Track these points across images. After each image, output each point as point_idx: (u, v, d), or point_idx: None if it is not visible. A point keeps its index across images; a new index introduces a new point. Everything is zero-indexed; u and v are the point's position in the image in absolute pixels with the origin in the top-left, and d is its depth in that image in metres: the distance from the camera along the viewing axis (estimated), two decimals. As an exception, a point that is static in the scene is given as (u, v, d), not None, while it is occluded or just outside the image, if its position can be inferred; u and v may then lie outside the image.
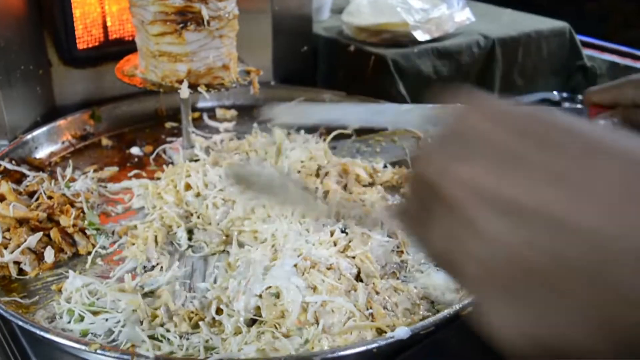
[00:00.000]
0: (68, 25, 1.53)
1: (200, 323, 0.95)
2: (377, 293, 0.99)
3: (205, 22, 1.28)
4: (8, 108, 1.45)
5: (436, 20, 1.82)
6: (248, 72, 1.44)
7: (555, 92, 1.65)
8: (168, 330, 0.96)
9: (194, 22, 1.29)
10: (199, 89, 1.33)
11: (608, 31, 2.22)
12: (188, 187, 1.27)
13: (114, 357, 0.86)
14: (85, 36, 1.58)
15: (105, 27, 1.60)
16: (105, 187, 1.36)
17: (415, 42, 1.78)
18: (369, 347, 0.87)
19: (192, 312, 0.98)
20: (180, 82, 1.33)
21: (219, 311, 0.98)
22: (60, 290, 1.06)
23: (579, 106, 1.13)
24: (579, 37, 2.08)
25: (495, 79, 1.91)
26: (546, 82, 2.06)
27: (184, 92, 1.31)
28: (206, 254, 1.15)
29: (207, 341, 0.93)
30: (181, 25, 1.28)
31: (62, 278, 1.10)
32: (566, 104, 1.91)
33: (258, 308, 0.96)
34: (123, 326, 0.97)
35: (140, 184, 1.34)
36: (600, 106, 1.00)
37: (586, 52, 2.10)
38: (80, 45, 1.57)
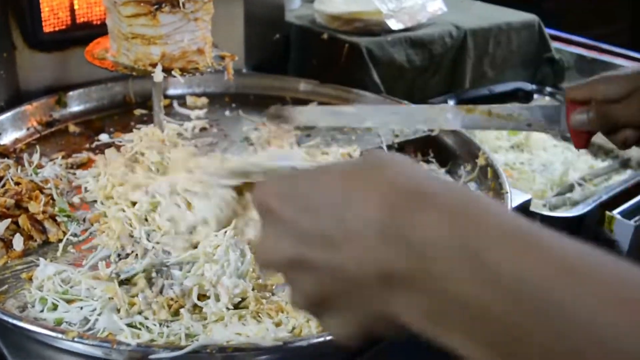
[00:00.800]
0: (34, 7, 1.47)
1: (182, 310, 0.92)
2: None
3: (181, 4, 1.25)
4: (-29, 92, 1.39)
5: (409, 9, 1.81)
6: (222, 58, 1.41)
7: (528, 84, 1.67)
8: (147, 318, 0.93)
9: (169, 3, 1.25)
10: (173, 72, 1.30)
11: (564, 30, 2.25)
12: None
13: (92, 345, 0.83)
14: (52, 19, 1.52)
15: (72, 10, 1.55)
16: (74, 174, 1.32)
17: (389, 31, 1.77)
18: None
19: (172, 300, 0.95)
20: (154, 65, 1.29)
21: (200, 298, 0.95)
22: (30, 279, 1.02)
23: (556, 103, 1.15)
24: (547, 31, 2.09)
25: (467, 70, 1.91)
26: (515, 73, 2.07)
27: (158, 75, 1.27)
28: (173, 263, 1.07)
29: (187, 328, 0.90)
30: (155, 6, 1.25)
31: (32, 266, 1.06)
32: (546, 97, 1.94)
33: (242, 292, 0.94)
34: (99, 314, 0.93)
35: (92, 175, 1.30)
36: (578, 102, 1.02)
37: (554, 44, 2.12)
38: (47, 28, 1.52)
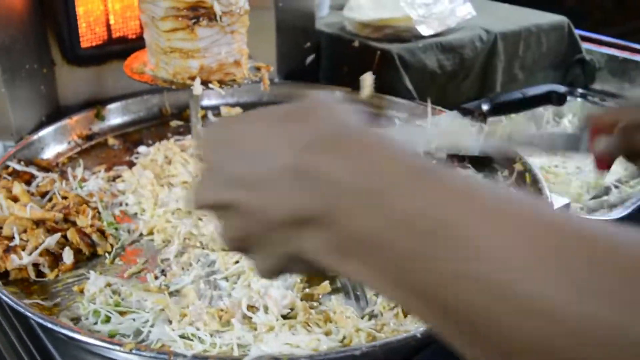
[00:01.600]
0: (71, 23, 1.50)
1: (233, 320, 0.94)
2: None
3: (218, 18, 1.27)
4: (14, 108, 1.42)
5: (438, 14, 1.81)
6: (258, 69, 1.43)
7: (562, 86, 1.66)
8: (198, 329, 0.94)
9: (206, 17, 1.27)
10: (211, 85, 1.31)
11: (588, 28, 2.23)
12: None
13: (149, 357, 0.84)
14: (89, 34, 1.55)
15: (108, 25, 1.57)
16: (113, 185, 1.34)
17: (419, 37, 1.78)
18: (406, 340, 0.86)
19: (222, 310, 0.97)
20: (192, 78, 1.31)
21: (249, 308, 0.96)
22: (82, 292, 1.04)
23: (577, 130, 1.12)
24: (577, 31, 2.08)
25: (497, 73, 1.91)
26: (546, 75, 2.06)
27: (197, 88, 1.29)
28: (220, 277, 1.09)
29: (239, 338, 0.92)
30: (193, 20, 1.27)
31: (82, 279, 1.08)
32: (577, 99, 1.93)
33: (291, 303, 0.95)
34: (152, 326, 0.95)
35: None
36: (601, 128, 1.01)
37: (585, 45, 2.11)
38: (84, 43, 1.54)
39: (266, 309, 0.95)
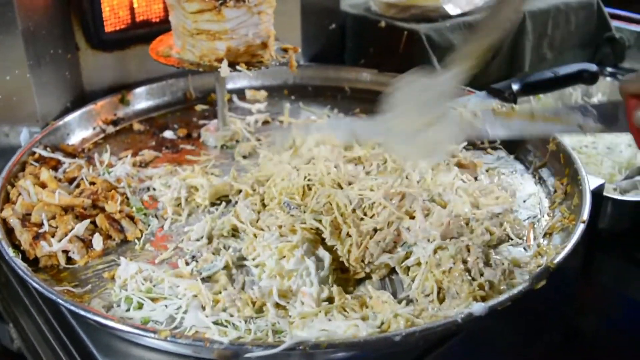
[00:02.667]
0: (95, 8, 1.48)
1: (268, 305, 0.92)
2: (468, 251, 0.98)
3: (245, -2, 1.24)
4: (39, 94, 1.40)
5: (466, -7, 1.78)
6: (285, 50, 1.40)
7: (593, 65, 1.62)
8: (231, 315, 0.93)
9: (233, -2, 1.25)
10: (239, 67, 1.29)
11: (618, 5, 2.18)
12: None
13: (185, 344, 0.83)
14: (112, 19, 1.53)
15: (132, 9, 1.55)
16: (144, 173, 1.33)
17: (446, 17, 1.74)
18: (446, 325, 0.84)
19: (256, 297, 0.95)
20: (219, 60, 1.29)
21: (282, 295, 0.95)
22: (113, 278, 1.03)
23: (615, 100, 0.95)
24: (606, 9, 2.04)
25: (526, 52, 1.87)
26: (574, 54, 2.02)
27: (224, 70, 1.27)
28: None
29: (274, 325, 0.90)
30: (220, 1, 1.25)
31: (112, 265, 1.07)
32: (607, 78, 1.89)
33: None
34: (185, 312, 0.94)
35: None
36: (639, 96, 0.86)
37: (614, 23, 2.06)
38: (108, 28, 1.53)
39: (301, 303, 0.93)
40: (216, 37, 1.27)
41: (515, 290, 0.90)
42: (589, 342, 1.55)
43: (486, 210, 1.16)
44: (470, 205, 1.15)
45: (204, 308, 0.94)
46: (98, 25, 1.51)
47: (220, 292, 0.97)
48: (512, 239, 1.11)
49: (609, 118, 0.95)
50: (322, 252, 1.02)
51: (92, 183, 1.21)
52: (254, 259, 1.05)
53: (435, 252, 1.00)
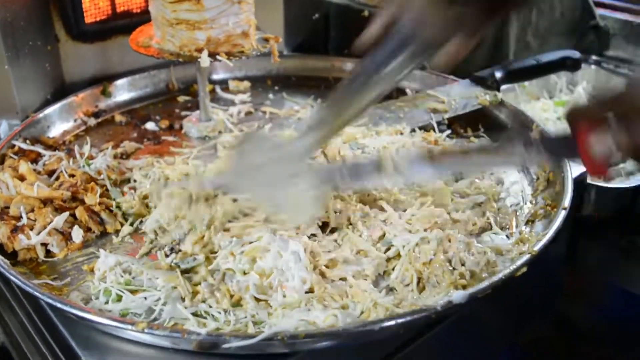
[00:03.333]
0: (75, -2, 1.47)
1: (247, 297, 0.91)
2: (449, 241, 0.97)
3: (224, -13, 1.23)
4: (18, 86, 1.39)
5: (449, -19, 1.77)
6: (266, 40, 1.39)
7: (576, 52, 1.62)
8: (210, 306, 0.92)
9: (212, -14, 1.24)
10: (219, 57, 1.28)
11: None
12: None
13: (162, 336, 0.82)
14: (93, 9, 1.52)
15: (112, 0, 1.54)
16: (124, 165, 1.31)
17: (430, 5, 1.73)
18: (426, 314, 0.83)
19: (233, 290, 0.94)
20: (200, 50, 1.28)
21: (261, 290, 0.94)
22: (92, 270, 1.02)
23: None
24: (591, -4, 2.03)
25: (510, 40, 1.86)
26: (559, 42, 2.01)
27: (204, 60, 1.26)
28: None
29: (253, 316, 0.90)
30: (199, -9, 1.23)
31: (92, 258, 1.06)
32: (591, 66, 1.88)
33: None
34: (164, 304, 0.93)
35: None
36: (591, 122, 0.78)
37: (599, 11, 2.05)
38: (88, 19, 1.51)
39: (283, 296, 0.93)
40: (196, 26, 1.26)
41: (495, 278, 0.90)
42: (576, 329, 1.56)
43: (469, 199, 1.16)
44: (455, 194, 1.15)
45: (183, 299, 0.94)
46: (78, 16, 1.49)
47: (200, 284, 0.96)
48: (493, 227, 1.11)
49: (556, 151, 0.89)
50: (294, 245, 0.99)
51: (72, 175, 1.20)
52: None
53: (417, 244, 0.99)
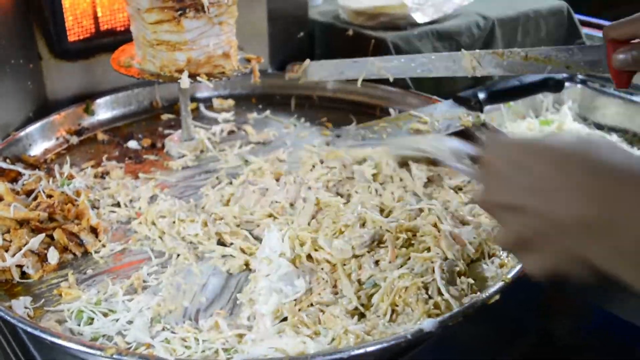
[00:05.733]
0: (57, 16, 1.47)
1: (220, 321, 0.91)
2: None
3: (205, 9, 1.24)
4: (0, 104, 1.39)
5: (434, 1, 1.78)
6: (248, 60, 1.40)
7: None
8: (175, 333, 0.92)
9: (193, 8, 1.24)
10: (199, 78, 1.28)
11: (588, 12, 2.18)
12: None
13: (131, 362, 0.82)
14: (76, 28, 1.52)
15: (96, 18, 1.54)
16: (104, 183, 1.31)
17: (414, 25, 1.74)
18: (396, 341, 0.83)
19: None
20: (180, 71, 1.28)
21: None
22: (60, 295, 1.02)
23: (598, 44, 1.12)
24: (577, 16, 2.04)
25: (495, 60, 1.87)
26: (545, 61, 2.02)
27: (185, 82, 1.26)
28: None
29: (223, 343, 0.89)
30: (179, 12, 1.24)
31: (67, 280, 1.05)
32: (577, 85, 1.89)
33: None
34: (133, 327, 0.93)
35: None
36: (619, 41, 1.01)
37: (584, 30, 2.07)
38: (71, 37, 1.51)
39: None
40: (176, 47, 1.27)
41: (467, 305, 0.89)
42: (563, 345, 1.55)
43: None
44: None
45: (152, 323, 0.93)
46: (61, 35, 1.49)
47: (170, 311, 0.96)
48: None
49: (593, 60, 1.11)
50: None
51: (50, 196, 1.20)
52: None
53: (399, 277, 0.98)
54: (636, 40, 0.99)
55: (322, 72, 1.60)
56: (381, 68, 1.46)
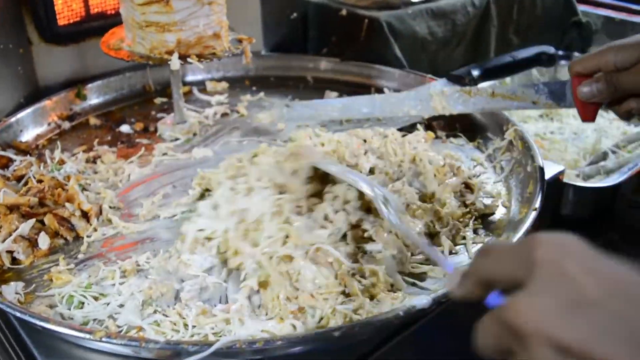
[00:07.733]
0: (47, 1, 1.45)
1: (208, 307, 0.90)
2: None
3: (194, -12, 1.22)
4: (-10, 90, 1.38)
5: (428, -21, 1.76)
6: (240, 41, 1.38)
7: (551, 47, 1.61)
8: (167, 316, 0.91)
9: (181, -12, 1.22)
10: (190, 59, 1.27)
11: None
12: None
13: (120, 345, 0.81)
14: (66, 11, 1.50)
15: (86, 1, 1.52)
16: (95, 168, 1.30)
17: (408, 3, 1.72)
18: (387, 317, 0.82)
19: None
20: (170, 53, 1.27)
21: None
22: (52, 280, 1.01)
23: (563, 79, 1.13)
24: (573, -8, 2.02)
25: (491, 38, 1.86)
26: (541, 39, 1.99)
27: (175, 63, 1.25)
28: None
29: (212, 328, 0.89)
30: (168, -8, 1.22)
31: (58, 264, 1.05)
32: (562, 62, 1.87)
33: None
34: (124, 310, 0.92)
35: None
36: (584, 75, 1.02)
37: (581, 7, 2.05)
38: (61, 21, 1.50)
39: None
40: (165, 29, 1.25)
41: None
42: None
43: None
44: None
45: (143, 307, 0.93)
46: (51, 19, 1.48)
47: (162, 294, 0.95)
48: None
49: (559, 95, 1.11)
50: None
51: (40, 181, 1.19)
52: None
53: None
54: (599, 74, 0.99)
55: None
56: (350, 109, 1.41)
